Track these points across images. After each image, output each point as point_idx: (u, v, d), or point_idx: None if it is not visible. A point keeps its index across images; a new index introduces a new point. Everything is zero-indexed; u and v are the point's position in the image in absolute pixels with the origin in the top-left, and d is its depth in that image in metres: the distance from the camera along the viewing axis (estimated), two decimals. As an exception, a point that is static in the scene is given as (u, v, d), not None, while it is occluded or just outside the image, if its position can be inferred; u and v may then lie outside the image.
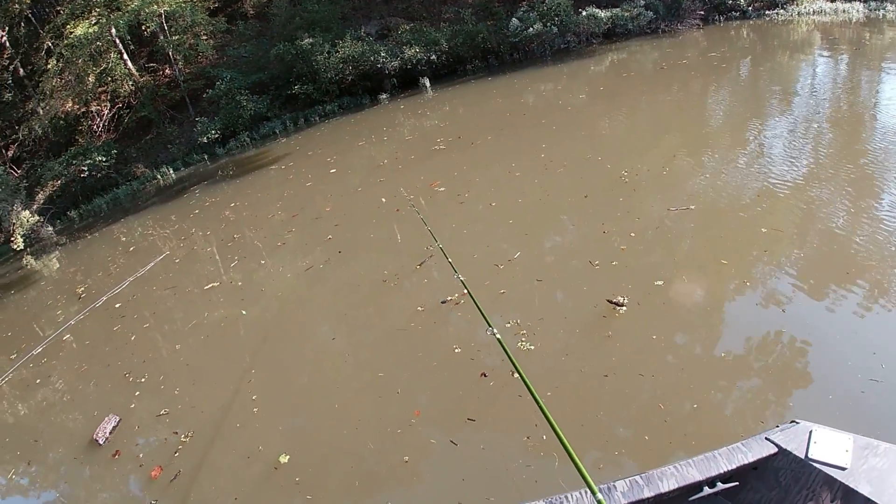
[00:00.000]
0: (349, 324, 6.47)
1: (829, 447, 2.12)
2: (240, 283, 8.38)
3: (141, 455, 5.19)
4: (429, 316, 5.83)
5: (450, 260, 4.31)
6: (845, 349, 3.90)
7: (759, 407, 3.71)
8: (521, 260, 6.29)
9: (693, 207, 6.33)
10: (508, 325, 5.19)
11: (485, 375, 4.73)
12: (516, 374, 4.45)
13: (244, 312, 7.42)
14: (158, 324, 7.95)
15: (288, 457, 4.54)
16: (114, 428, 5.75)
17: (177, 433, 5.32)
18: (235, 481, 4.51)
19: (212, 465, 4.79)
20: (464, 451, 4.11)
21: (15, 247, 16.72)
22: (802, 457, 2.15)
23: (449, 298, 5.94)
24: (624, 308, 4.93)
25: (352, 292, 7.08)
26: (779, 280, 4.82)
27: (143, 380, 6.47)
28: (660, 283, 5.16)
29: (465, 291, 3.42)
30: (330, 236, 8.86)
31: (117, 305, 8.58)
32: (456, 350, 5.16)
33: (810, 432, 2.20)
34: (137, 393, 6.24)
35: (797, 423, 2.29)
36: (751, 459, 2.24)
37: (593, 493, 1.77)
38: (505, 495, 3.66)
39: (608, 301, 5.01)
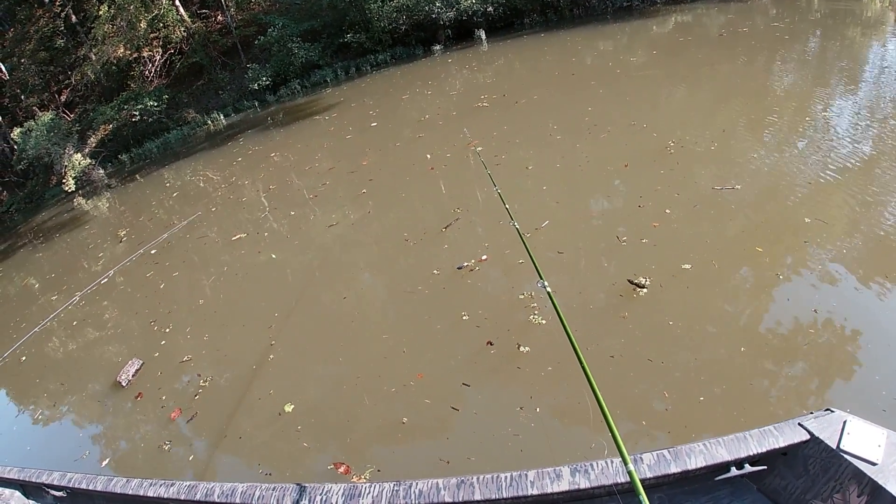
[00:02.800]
0: (364, 282, 6.51)
1: (862, 440, 2.01)
2: (266, 234, 8.53)
3: (163, 398, 5.44)
4: (443, 280, 5.76)
5: (507, 206, 4.20)
6: (874, 362, 3.58)
7: (769, 410, 3.48)
8: (548, 229, 6.08)
9: (739, 187, 5.89)
10: (521, 297, 5.04)
11: (490, 344, 4.65)
12: (524, 348, 4.43)
13: (273, 256, 7.70)
14: (187, 273, 8.15)
15: (292, 406, 4.72)
16: (136, 371, 6.02)
17: (199, 375, 5.58)
18: (244, 424, 4.74)
19: (226, 408, 5.01)
20: (455, 415, 4.13)
21: (66, 188, 17.39)
22: (834, 447, 2.05)
23: (465, 264, 5.83)
24: (645, 290, 4.68)
25: (373, 250, 7.11)
26: (813, 276, 4.45)
27: (167, 330, 6.68)
28: (687, 266, 4.85)
29: (521, 241, 3.34)
30: (364, 190, 8.86)
31: (153, 252, 8.78)
32: (464, 317, 5.08)
33: (844, 422, 2.10)
34: (163, 342, 6.46)
35: (832, 411, 2.18)
36: (782, 444, 2.16)
37: (625, 462, 1.73)
38: (486, 457, 3.70)
39: (629, 281, 4.78)
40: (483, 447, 3.78)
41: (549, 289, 2.69)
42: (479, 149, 8.89)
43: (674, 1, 18.07)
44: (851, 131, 6.73)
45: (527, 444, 3.69)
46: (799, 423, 2.18)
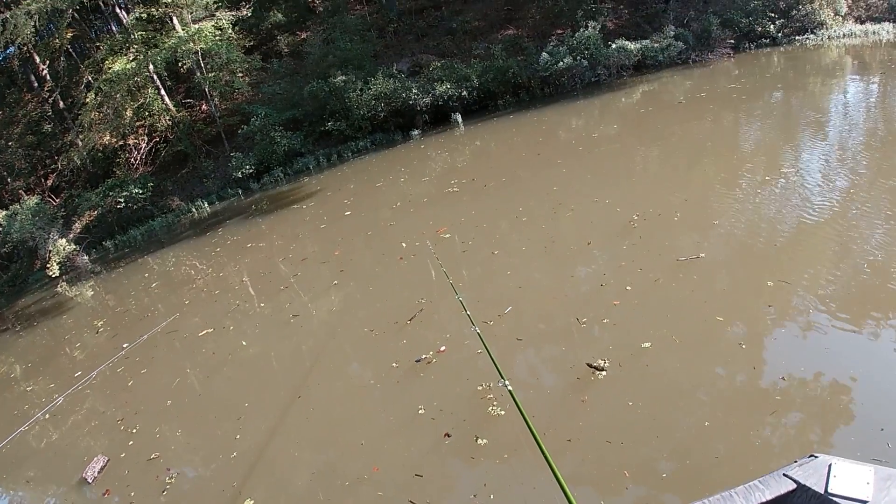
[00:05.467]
0: (323, 376, 6.49)
1: (850, 480, 2.02)
2: (232, 328, 8.51)
3: (132, 494, 5.38)
4: (401, 373, 5.81)
5: (468, 313, 4.32)
6: (849, 428, 3.63)
7: (730, 481, 3.50)
8: (510, 315, 6.16)
9: (703, 256, 6.05)
10: (480, 388, 5.08)
11: (448, 436, 4.69)
12: (481, 440, 4.45)
13: (244, 343, 7.75)
14: (156, 369, 8.01)
15: (252, 502, 4.72)
16: (102, 468, 5.96)
17: (169, 470, 5.56)
18: None
19: (189, 502, 5.06)
20: None
21: (50, 273, 17.30)
22: (822, 492, 2.04)
23: (423, 357, 5.88)
24: (604, 372, 4.74)
25: (336, 344, 7.11)
26: (778, 342, 4.54)
27: (135, 430, 6.55)
28: (647, 344, 4.93)
29: (482, 345, 3.45)
30: (335, 282, 8.92)
31: (125, 345, 8.73)
32: (420, 411, 5.11)
33: (829, 466, 2.11)
34: (131, 442, 6.34)
35: (816, 456, 2.19)
36: (769, 497, 2.14)
37: None
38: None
39: (588, 364, 4.84)
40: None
41: (510, 387, 2.77)
42: (447, 235, 9.11)
43: (639, 72, 18.86)
44: (814, 189, 6.92)
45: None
46: (784, 474, 2.18)
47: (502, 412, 4.69)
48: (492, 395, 4.92)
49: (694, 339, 4.90)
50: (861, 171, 7.18)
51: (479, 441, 4.47)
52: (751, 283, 5.37)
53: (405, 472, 4.46)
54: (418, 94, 20.04)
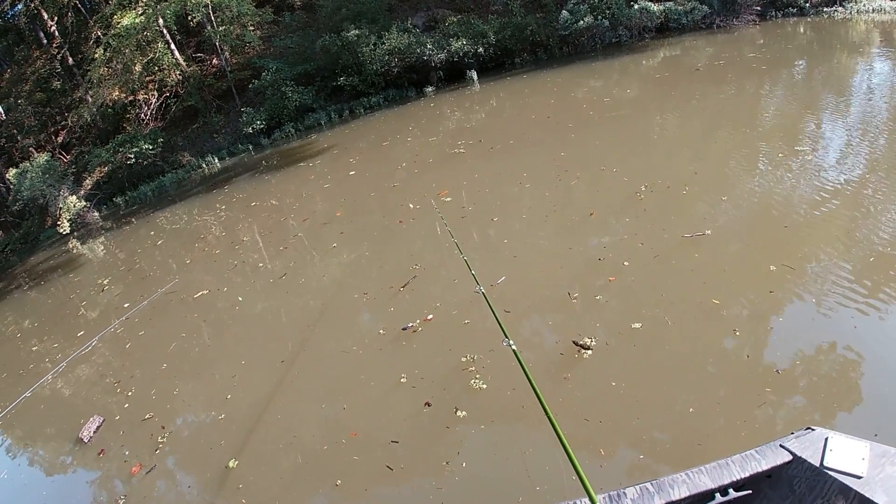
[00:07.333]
0: (311, 341, 6.46)
1: (845, 455, 2.04)
2: (227, 290, 8.52)
3: (126, 453, 5.47)
4: (387, 340, 5.78)
5: (473, 272, 4.22)
6: (843, 424, 3.49)
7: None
8: (503, 285, 6.03)
9: (708, 233, 5.81)
10: (463, 360, 5.00)
11: (428, 405, 4.68)
12: (460, 412, 4.39)
13: (239, 301, 7.83)
14: (152, 333, 8.02)
15: (236, 462, 4.81)
16: (98, 427, 6.06)
17: (164, 427, 5.66)
18: (195, 477, 4.88)
19: (179, 460, 5.17)
20: (386, 471, 4.21)
21: (61, 231, 17.38)
22: (817, 465, 2.07)
23: (411, 325, 5.82)
24: (590, 351, 4.62)
25: (327, 308, 7.07)
26: (776, 332, 4.35)
27: (130, 392, 6.60)
28: (638, 325, 4.78)
29: (487, 304, 3.36)
30: (334, 244, 8.84)
31: (126, 305, 8.76)
32: (402, 379, 5.09)
33: (826, 439, 2.12)
34: (126, 405, 6.40)
35: (812, 429, 2.21)
36: (765, 467, 2.17)
37: (592, 501, 1.76)
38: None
39: (574, 342, 4.72)
40: (404, 499, 3.92)
41: (514, 346, 2.71)
42: (449, 199, 8.97)
43: (661, 35, 18.33)
44: (829, 171, 6.63)
45: (449, 497, 3.78)
46: (780, 445, 2.20)
47: (484, 385, 4.63)
48: (474, 368, 4.87)
49: (687, 322, 4.73)
50: (879, 156, 6.82)
51: (459, 413, 4.44)
52: (754, 267, 5.15)
53: (382, 439, 4.47)
54: (433, 50, 19.66)
